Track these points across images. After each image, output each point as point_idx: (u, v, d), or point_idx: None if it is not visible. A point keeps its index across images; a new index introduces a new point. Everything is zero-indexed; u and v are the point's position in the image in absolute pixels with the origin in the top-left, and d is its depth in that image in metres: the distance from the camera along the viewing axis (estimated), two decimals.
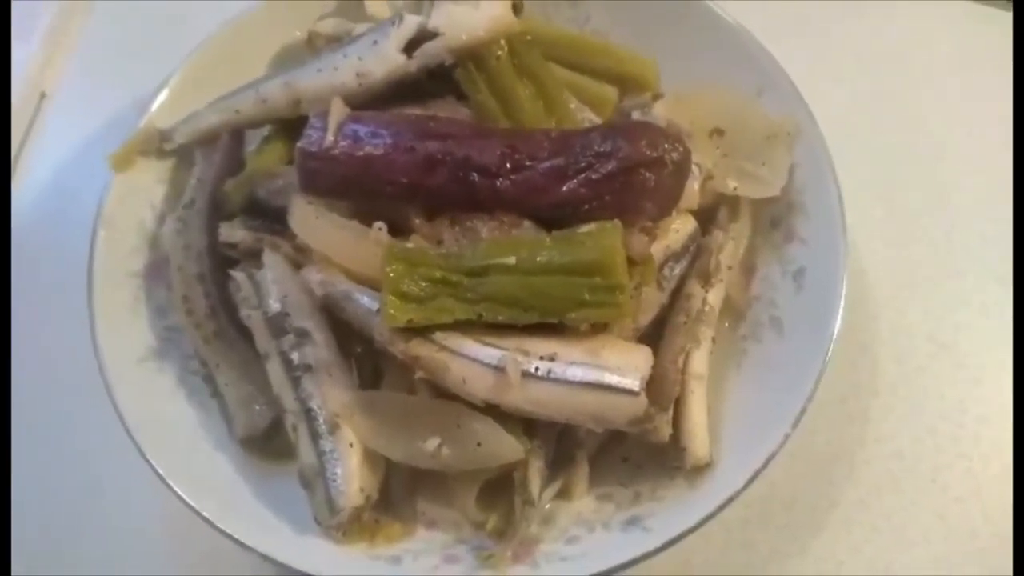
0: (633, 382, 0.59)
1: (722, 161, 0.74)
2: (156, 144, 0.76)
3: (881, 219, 0.83)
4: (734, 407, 0.68)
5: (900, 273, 0.82)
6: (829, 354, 0.65)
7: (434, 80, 0.72)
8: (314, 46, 0.79)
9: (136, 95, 0.82)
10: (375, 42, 0.71)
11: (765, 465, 0.62)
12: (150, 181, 0.76)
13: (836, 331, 0.66)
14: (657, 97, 0.77)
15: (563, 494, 0.67)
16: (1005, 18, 0.92)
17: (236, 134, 0.76)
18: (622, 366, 0.60)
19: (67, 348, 0.74)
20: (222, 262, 0.71)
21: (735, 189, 0.73)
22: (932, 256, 0.83)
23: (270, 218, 0.70)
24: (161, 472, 0.63)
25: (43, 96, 0.93)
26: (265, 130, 0.77)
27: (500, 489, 0.65)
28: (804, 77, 0.74)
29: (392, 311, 0.60)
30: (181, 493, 0.63)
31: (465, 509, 0.65)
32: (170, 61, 0.78)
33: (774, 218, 0.74)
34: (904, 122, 0.88)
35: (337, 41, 0.77)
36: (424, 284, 0.61)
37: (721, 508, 0.61)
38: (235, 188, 0.72)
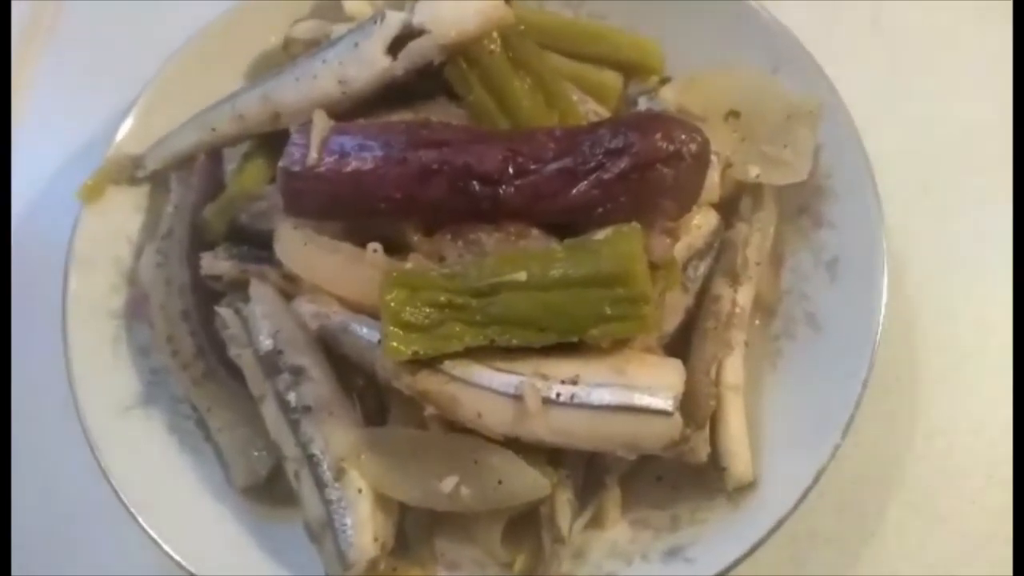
0: (666, 402, 0.56)
1: (741, 146, 0.71)
2: (128, 172, 0.73)
3: (916, 193, 0.78)
4: (773, 414, 0.65)
5: (940, 252, 0.77)
6: (875, 352, 0.61)
7: (422, 79, 0.68)
8: (291, 53, 0.76)
9: (104, 117, 0.78)
10: (356, 44, 0.68)
11: (815, 481, 0.58)
12: (125, 212, 0.73)
13: (880, 325, 0.62)
14: (664, 81, 0.74)
15: (595, 523, 0.64)
16: None
17: (214, 154, 0.73)
18: (652, 384, 0.56)
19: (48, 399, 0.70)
20: (207, 296, 0.68)
21: (758, 176, 0.70)
22: (974, 231, 0.77)
23: (255, 244, 0.67)
24: (157, 538, 0.60)
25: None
26: (244, 147, 0.74)
27: (526, 524, 0.61)
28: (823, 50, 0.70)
29: (395, 343, 0.56)
30: (183, 562, 0.59)
31: (490, 549, 0.61)
32: (138, 80, 0.75)
33: (800, 204, 0.70)
34: (935, 91, 0.83)
35: (316, 46, 0.73)
36: (428, 310, 0.57)
37: (771, 534, 0.57)
38: (215, 214, 0.69)
